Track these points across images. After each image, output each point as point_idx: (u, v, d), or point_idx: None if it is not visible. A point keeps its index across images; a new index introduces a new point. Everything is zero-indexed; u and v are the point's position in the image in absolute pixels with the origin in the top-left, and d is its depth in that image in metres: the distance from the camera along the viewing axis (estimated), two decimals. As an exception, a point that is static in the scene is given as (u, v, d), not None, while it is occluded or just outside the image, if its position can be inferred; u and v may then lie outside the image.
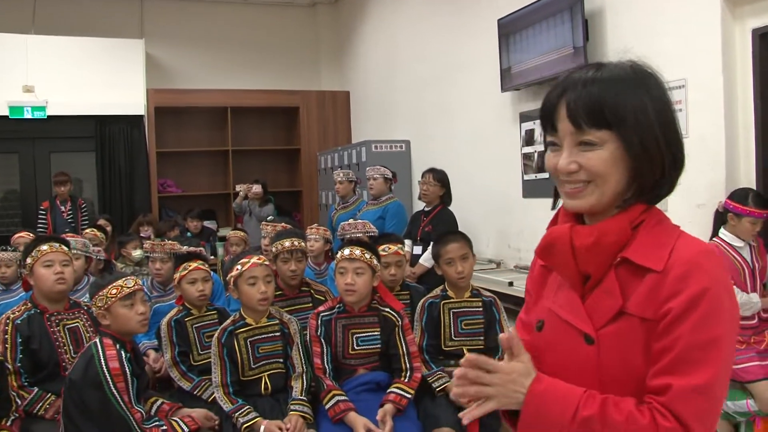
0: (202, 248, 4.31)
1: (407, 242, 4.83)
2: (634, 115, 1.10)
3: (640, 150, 1.10)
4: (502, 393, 1.09)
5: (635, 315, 1.09)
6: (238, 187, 7.33)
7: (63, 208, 6.85)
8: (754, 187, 3.29)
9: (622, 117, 1.09)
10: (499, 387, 1.09)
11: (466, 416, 1.11)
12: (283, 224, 4.22)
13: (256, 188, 7.00)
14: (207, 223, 7.56)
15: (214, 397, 2.90)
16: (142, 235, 6.13)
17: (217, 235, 7.38)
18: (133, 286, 2.62)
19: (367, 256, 2.83)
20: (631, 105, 1.10)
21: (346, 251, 2.84)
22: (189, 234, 6.58)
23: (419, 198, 5.02)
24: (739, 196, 3.12)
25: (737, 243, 3.13)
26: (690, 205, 3.49)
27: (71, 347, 2.92)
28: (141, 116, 7.82)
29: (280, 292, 3.37)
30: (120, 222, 7.61)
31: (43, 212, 6.81)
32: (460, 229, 4.64)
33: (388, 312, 2.89)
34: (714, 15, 3.37)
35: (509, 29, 4.78)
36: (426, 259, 4.58)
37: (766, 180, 3.33)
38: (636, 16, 3.84)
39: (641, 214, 1.14)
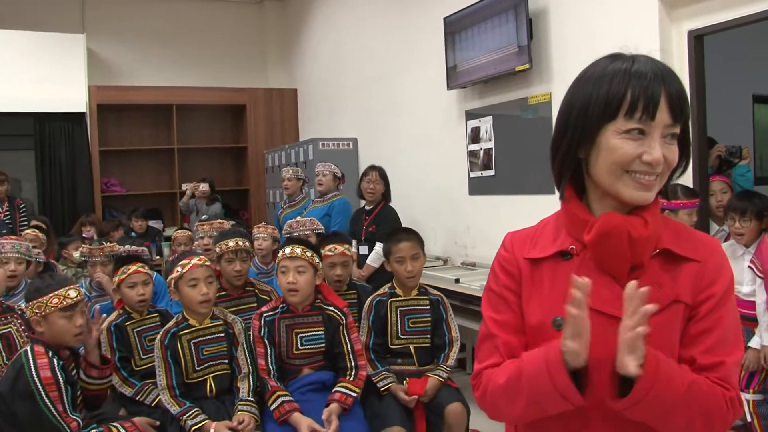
0: (145, 248, 4.23)
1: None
2: (688, 112, 1.17)
3: (685, 145, 1.18)
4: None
5: (683, 301, 1.16)
6: (184, 186, 7.22)
7: (0, 209, 6.62)
8: (690, 184, 3.38)
9: (688, 112, 1.16)
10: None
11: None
12: (220, 222, 4.17)
13: (203, 187, 6.90)
14: (152, 223, 7.40)
15: (158, 402, 2.85)
16: (84, 235, 5.98)
17: (162, 235, 7.23)
18: (76, 296, 2.53)
19: (309, 254, 2.80)
20: (687, 101, 1.16)
21: (288, 250, 2.82)
22: (133, 234, 6.45)
23: (358, 195, 4.98)
24: (670, 193, 3.21)
25: None
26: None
27: (3, 354, 2.82)
28: (82, 113, 7.59)
29: (224, 293, 3.32)
30: (62, 222, 7.41)
31: (-22, 213, 6.56)
32: (405, 226, 4.66)
33: (331, 311, 2.87)
34: (652, 17, 3.45)
35: (455, 27, 4.81)
36: (373, 260, 4.58)
37: (702, 179, 3.43)
38: (579, 16, 3.90)
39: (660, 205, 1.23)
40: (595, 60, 1.21)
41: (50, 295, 2.47)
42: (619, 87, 1.12)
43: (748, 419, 3.08)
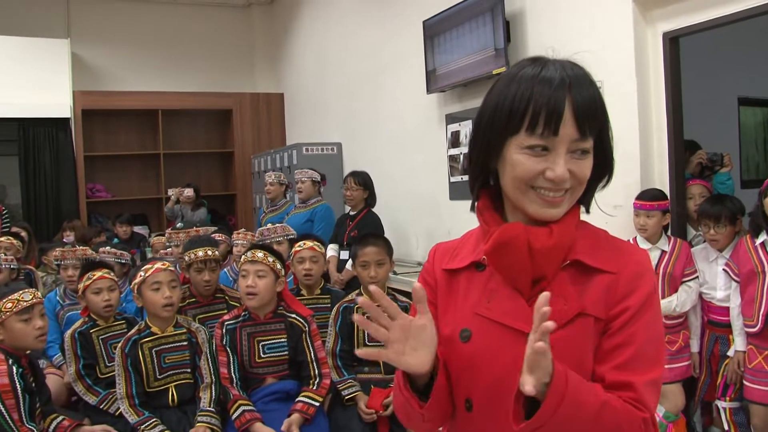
0: (125, 252, 4.19)
1: (333, 246, 4.77)
2: (605, 121, 1.09)
3: (605, 156, 1.11)
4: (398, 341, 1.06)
5: (591, 315, 1.08)
6: (170, 191, 7.17)
7: (-18, 215, 6.56)
8: (667, 187, 3.34)
9: (602, 124, 1.08)
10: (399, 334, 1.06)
11: (362, 351, 1.09)
12: (196, 229, 4.12)
13: (188, 192, 6.87)
14: (138, 229, 7.37)
15: (121, 411, 2.80)
16: (64, 240, 5.93)
17: (147, 241, 7.18)
18: (31, 299, 2.50)
19: (270, 259, 2.77)
20: (603, 110, 1.09)
21: (249, 254, 2.79)
22: (116, 240, 6.40)
23: (343, 201, 4.95)
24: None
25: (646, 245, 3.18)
26: (607, 207, 3.51)
27: (-36, 363, 2.76)
28: (67, 119, 7.53)
29: (193, 299, 3.28)
30: (46, 228, 7.36)
31: (-40, 220, 6.51)
32: (388, 231, 4.62)
33: (294, 318, 2.83)
34: (627, 19, 3.41)
35: (434, 31, 4.77)
36: (352, 265, 4.52)
37: (678, 180, 3.38)
38: (555, 18, 3.87)
39: (578, 215, 1.15)
40: (518, 62, 1.15)
41: (4, 300, 2.43)
42: (522, 97, 1.05)
43: (726, 428, 3.03)
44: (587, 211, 1.18)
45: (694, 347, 3.19)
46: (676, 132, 3.36)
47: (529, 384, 0.94)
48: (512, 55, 4.06)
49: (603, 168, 1.13)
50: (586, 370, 1.06)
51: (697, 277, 3.14)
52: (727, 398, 3.02)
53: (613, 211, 3.43)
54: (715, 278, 3.11)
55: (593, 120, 1.05)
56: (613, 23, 3.48)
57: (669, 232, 3.26)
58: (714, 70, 4.90)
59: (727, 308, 3.05)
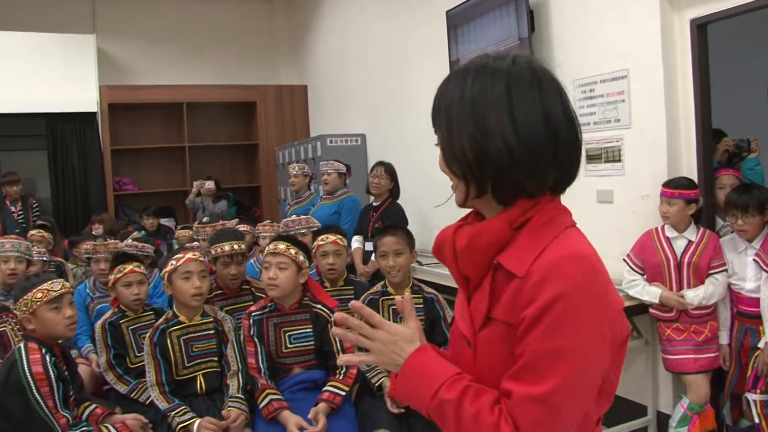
0: (147, 245, 4.24)
1: (358, 238, 4.78)
2: (445, 114, 1.09)
3: (448, 149, 1.09)
4: (381, 351, 1.11)
5: (500, 320, 1.05)
6: (195, 184, 7.24)
7: (13, 209, 6.69)
8: (695, 176, 3.30)
9: (439, 118, 1.11)
10: (380, 344, 1.11)
11: (343, 359, 1.15)
12: (222, 223, 4.15)
13: (209, 184, 6.93)
14: (164, 221, 7.44)
15: (152, 399, 2.84)
16: (93, 233, 6.02)
17: (173, 233, 7.25)
18: (60, 289, 2.54)
19: (292, 251, 2.78)
20: (445, 103, 1.10)
21: (271, 246, 2.81)
22: (143, 232, 6.47)
23: (367, 191, 4.95)
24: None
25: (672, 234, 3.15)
26: (633, 196, 3.50)
27: (-2, 352, 2.83)
28: (94, 113, 7.64)
29: (220, 291, 3.32)
30: (75, 221, 7.48)
31: (-8, 213, 6.65)
32: (412, 222, 4.62)
33: (319, 309, 2.85)
34: (653, 5, 3.36)
35: (457, 21, 4.75)
36: (375, 256, 4.53)
37: (707, 170, 3.34)
38: (580, 6, 3.82)
39: (525, 212, 1.07)
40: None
41: (34, 290, 2.47)
42: None
43: (756, 420, 2.99)
44: (502, 203, 1.09)
45: (724, 339, 3.15)
46: (704, 121, 3.32)
47: (344, 359, 1.14)
48: (537, 44, 4.03)
49: (454, 163, 1.10)
50: (496, 373, 1.05)
51: (726, 269, 3.09)
52: (758, 390, 2.97)
53: (640, 202, 3.44)
54: (744, 269, 3.07)
55: (435, 114, 1.12)
56: (640, 10, 3.44)
57: (700, 222, 3.21)
58: (742, 57, 4.81)
59: (757, 299, 3.00)
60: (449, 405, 1.02)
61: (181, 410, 2.64)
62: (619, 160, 3.59)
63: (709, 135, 3.36)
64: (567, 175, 1.09)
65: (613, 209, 3.62)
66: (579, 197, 3.95)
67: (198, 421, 2.60)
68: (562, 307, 0.96)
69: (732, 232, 3.20)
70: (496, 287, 1.07)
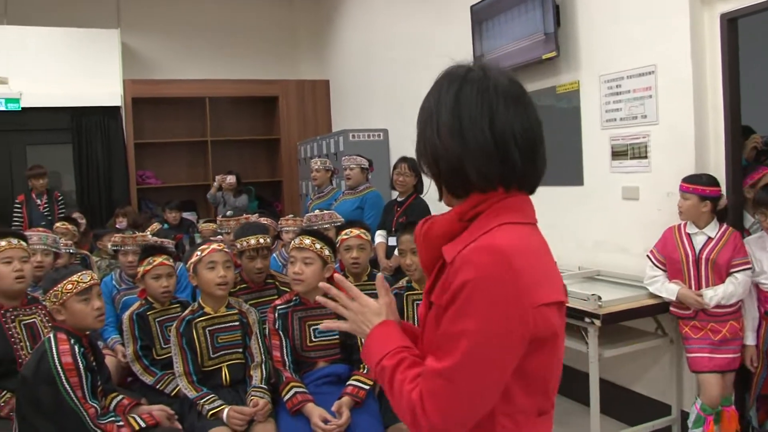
0: (169, 240, 4.27)
1: (382, 233, 4.78)
2: (419, 117, 1.24)
3: (417, 149, 1.25)
4: (354, 320, 1.29)
5: (436, 303, 1.18)
6: (217, 178, 7.29)
7: (39, 202, 6.79)
8: (723, 173, 3.25)
9: (419, 119, 1.24)
10: (353, 314, 1.29)
11: (323, 325, 1.36)
12: (246, 216, 4.17)
13: (230, 179, 6.97)
14: (186, 215, 7.51)
15: (177, 391, 2.87)
16: (117, 226, 6.08)
17: (196, 226, 7.31)
18: (89, 281, 2.57)
19: (318, 246, 2.79)
20: (421, 108, 1.25)
21: (296, 240, 2.82)
22: (166, 225, 6.53)
23: (390, 187, 4.95)
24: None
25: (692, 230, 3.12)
26: (659, 193, 3.46)
27: (28, 343, 2.87)
28: (118, 107, 7.72)
29: (245, 285, 3.34)
30: (99, 215, 7.56)
31: (19, 206, 6.74)
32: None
33: (344, 303, 2.85)
34: (682, 0, 3.33)
35: (482, 16, 4.73)
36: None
37: (735, 166, 3.30)
38: (606, 1, 3.79)
39: (476, 206, 1.17)
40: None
41: (64, 282, 2.50)
42: None
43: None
44: (456, 197, 1.23)
45: (750, 340, 3.06)
46: (733, 117, 3.27)
47: (324, 325, 1.35)
48: (562, 39, 4.01)
49: (429, 164, 1.24)
50: (434, 350, 1.16)
51: (750, 268, 3.01)
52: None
53: (665, 199, 3.40)
54: (773, 266, 3.03)
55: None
56: (668, 4, 3.39)
57: (725, 220, 3.16)
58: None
59: (787, 298, 2.97)
60: (386, 371, 1.17)
61: (210, 398, 2.68)
62: (646, 157, 3.55)
63: (738, 132, 3.31)
64: (524, 173, 1.19)
65: (639, 206, 3.59)
66: (604, 193, 3.95)
67: (227, 408, 2.62)
68: (468, 292, 1.07)
69: (761, 230, 3.16)
70: (440, 274, 1.20)
